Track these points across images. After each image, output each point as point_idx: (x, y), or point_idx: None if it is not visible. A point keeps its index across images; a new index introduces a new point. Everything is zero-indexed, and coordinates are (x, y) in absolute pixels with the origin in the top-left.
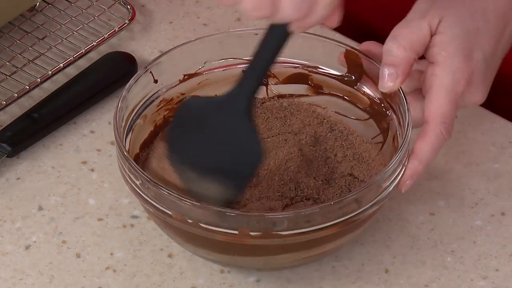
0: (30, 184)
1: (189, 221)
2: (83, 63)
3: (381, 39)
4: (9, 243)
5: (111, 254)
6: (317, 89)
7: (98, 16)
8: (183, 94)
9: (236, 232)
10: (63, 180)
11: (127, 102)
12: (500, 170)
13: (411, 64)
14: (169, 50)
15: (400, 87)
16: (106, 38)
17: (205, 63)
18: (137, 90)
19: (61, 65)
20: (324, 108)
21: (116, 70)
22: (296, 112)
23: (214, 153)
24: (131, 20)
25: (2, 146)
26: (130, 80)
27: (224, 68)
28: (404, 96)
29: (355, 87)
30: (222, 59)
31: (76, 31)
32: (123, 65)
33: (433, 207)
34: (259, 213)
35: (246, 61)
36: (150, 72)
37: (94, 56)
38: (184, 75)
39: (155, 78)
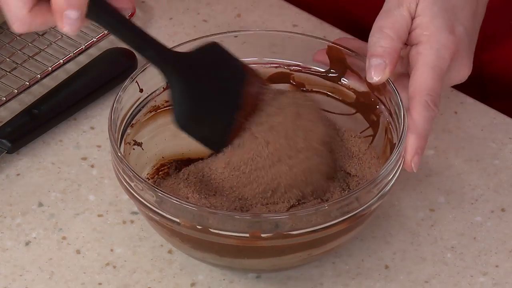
0: (30, 180)
1: (198, 227)
2: (83, 59)
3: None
4: (9, 239)
5: (111, 250)
6: (300, 87)
7: None
8: (167, 101)
9: (247, 235)
10: (63, 176)
11: (118, 112)
12: (500, 166)
13: (398, 53)
14: None
15: (389, 79)
16: (106, 34)
17: None
18: (126, 99)
19: (61, 61)
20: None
21: (116, 66)
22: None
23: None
24: (131, 16)
25: (2, 142)
26: (119, 92)
27: None
28: (395, 87)
29: (339, 82)
30: None
31: None
32: (123, 61)
33: (433, 203)
34: (270, 215)
35: None
36: (136, 81)
37: (94, 52)
38: (167, 82)
39: (141, 88)
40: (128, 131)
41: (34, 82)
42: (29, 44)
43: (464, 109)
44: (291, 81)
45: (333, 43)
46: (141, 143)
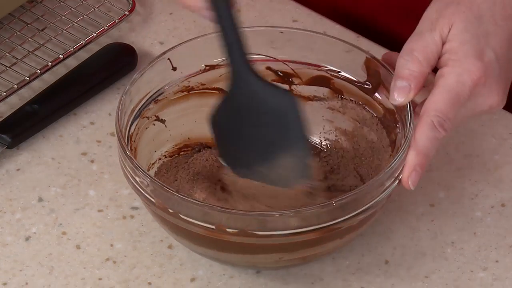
0: (30, 175)
1: (170, 210)
2: (83, 55)
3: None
4: (9, 234)
5: (111, 245)
6: (338, 94)
7: (98, 7)
8: (203, 84)
9: (213, 227)
10: (63, 171)
11: (139, 84)
12: (500, 161)
13: (425, 78)
14: (190, 40)
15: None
16: (106, 29)
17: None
18: (152, 74)
19: (61, 56)
20: (343, 113)
21: (116, 62)
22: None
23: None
24: (131, 11)
25: (2, 137)
26: (147, 65)
27: None
28: (410, 109)
29: (372, 96)
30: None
31: (76, 22)
32: (123, 56)
33: (433, 198)
34: (236, 211)
35: (269, 59)
36: (168, 59)
37: (94, 47)
38: (206, 66)
39: (174, 66)
40: (151, 105)
41: (34, 77)
42: (29, 39)
43: None
44: (330, 86)
45: (371, 56)
46: (164, 120)
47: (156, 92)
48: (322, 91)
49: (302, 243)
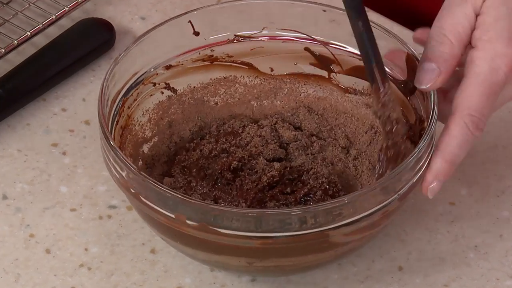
0: None
1: (132, 190)
2: (54, 31)
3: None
4: None
5: (86, 249)
6: None
7: None
8: (230, 56)
9: (173, 216)
10: (30, 165)
11: (149, 43)
12: None
13: (457, 61)
14: (222, 2)
15: (432, 92)
16: (80, 3)
17: (263, 28)
18: (166, 33)
19: (29, 33)
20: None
21: (91, 39)
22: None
23: None
24: None
25: None
26: (160, 24)
27: (283, 41)
28: (433, 102)
29: (408, 97)
30: (283, 30)
31: None
32: (99, 33)
33: (453, 195)
34: (197, 201)
35: (308, 38)
36: (190, 22)
37: (66, 23)
38: (235, 35)
39: (196, 30)
40: (161, 70)
41: None
42: None
43: None
44: None
45: (412, 53)
46: (176, 90)
47: (171, 57)
48: (362, 84)
49: (271, 251)
